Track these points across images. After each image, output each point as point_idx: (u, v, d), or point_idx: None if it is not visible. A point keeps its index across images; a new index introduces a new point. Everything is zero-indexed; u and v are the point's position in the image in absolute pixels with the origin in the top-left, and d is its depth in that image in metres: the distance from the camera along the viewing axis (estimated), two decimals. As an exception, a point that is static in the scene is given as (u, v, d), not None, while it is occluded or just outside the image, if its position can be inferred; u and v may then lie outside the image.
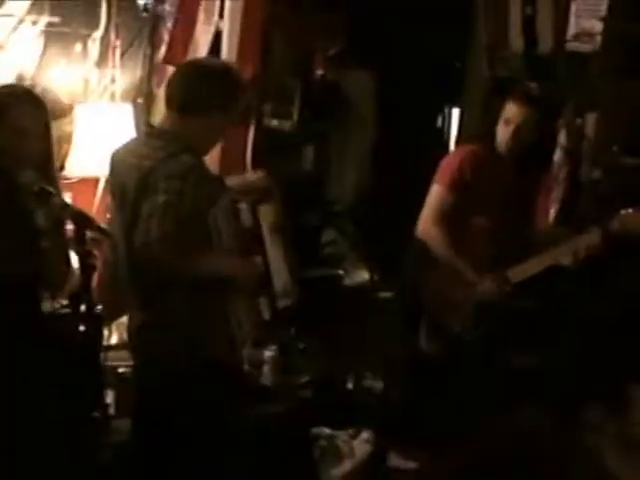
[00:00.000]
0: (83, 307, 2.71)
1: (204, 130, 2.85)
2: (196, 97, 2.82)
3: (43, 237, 2.71)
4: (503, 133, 3.63)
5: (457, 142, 5.20)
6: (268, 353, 4.02)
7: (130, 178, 2.80)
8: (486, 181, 3.64)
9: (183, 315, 2.80)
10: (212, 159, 3.51)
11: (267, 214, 3.03)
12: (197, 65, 3.10)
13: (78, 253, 2.68)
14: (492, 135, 3.66)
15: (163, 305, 2.82)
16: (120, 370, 3.48)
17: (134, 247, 2.71)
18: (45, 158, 2.84)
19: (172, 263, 2.69)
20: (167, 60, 4.33)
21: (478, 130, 4.44)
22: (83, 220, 2.66)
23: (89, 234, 2.67)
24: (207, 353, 2.84)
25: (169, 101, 2.89)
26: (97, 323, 3.03)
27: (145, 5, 4.38)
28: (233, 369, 2.94)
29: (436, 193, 3.66)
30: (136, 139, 3.09)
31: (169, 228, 2.63)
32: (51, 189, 2.69)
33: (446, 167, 3.69)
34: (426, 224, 3.65)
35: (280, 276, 3.01)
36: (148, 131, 3.08)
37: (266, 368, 4.00)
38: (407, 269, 3.90)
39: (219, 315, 2.86)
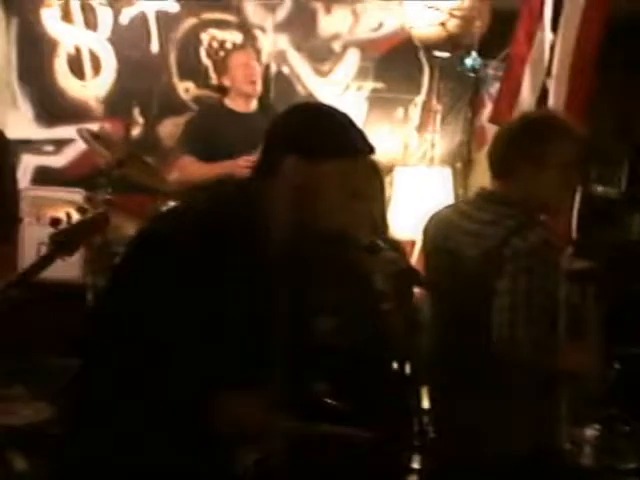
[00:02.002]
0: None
1: (530, 192, 2.65)
2: (502, 159, 2.62)
3: (384, 299, 2.65)
4: None
5: None
6: (590, 432, 3.73)
7: (467, 244, 2.62)
8: None
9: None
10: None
11: (592, 295, 2.78)
12: (504, 126, 2.92)
13: (404, 310, 2.61)
14: None
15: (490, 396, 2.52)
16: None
17: (491, 339, 2.50)
18: (380, 218, 2.87)
19: (537, 361, 2.43)
20: (493, 119, 4.22)
21: None
22: (411, 276, 2.60)
23: (416, 290, 2.61)
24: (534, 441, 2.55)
25: (489, 165, 2.75)
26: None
27: (473, 67, 4.31)
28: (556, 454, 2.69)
29: None
30: (465, 202, 2.92)
31: (536, 320, 2.39)
32: (381, 243, 2.65)
33: None
34: None
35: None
36: (482, 194, 2.85)
37: (587, 448, 3.70)
38: None
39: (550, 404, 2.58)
